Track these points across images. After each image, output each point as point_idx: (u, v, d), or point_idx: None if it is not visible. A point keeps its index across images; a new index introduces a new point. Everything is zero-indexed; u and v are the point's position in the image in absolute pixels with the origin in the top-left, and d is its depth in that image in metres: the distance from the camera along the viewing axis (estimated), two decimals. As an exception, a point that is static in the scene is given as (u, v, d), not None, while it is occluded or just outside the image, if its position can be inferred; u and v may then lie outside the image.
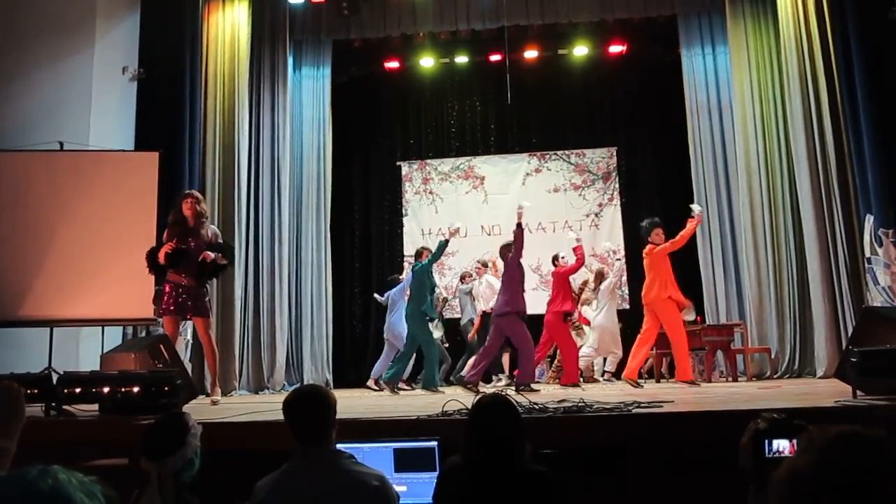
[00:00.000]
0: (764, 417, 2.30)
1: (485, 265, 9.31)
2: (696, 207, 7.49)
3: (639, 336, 7.26)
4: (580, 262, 7.81)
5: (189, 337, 7.48)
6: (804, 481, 1.01)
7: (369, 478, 2.42)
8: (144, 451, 2.49)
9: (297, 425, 2.53)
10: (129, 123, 8.01)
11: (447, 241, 7.72)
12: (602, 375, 8.66)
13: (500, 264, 7.96)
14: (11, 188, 6.77)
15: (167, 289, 5.91)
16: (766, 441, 2.22)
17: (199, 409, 4.58)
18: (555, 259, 8.26)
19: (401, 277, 8.77)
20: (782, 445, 2.21)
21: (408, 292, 8.21)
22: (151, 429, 2.61)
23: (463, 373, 8.11)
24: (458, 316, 9.77)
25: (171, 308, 5.87)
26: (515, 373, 7.52)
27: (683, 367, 7.02)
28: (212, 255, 5.84)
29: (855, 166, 7.51)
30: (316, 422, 2.52)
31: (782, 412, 2.40)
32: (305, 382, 9.38)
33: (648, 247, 7.26)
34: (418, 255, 8.13)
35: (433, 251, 7.90)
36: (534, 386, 6.91)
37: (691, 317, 8.27)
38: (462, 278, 9.86)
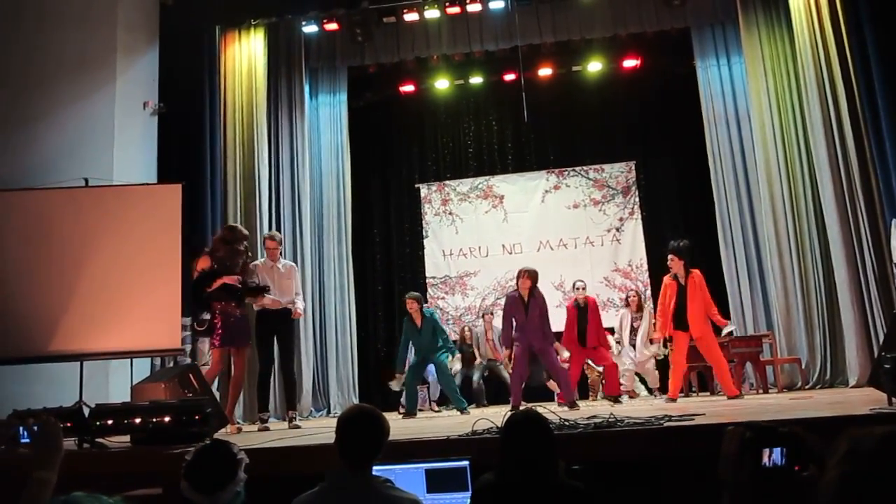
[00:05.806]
0: (748, 426, 2.24)
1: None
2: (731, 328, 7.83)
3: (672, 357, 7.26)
4: None
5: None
6: (860, 486, 1.00)
7: (405, 503, 2.41)
8: (192, 482, 2.40)
9: (347, 445, 2.50)
10: (151, 157, 8.14)
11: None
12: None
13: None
14: (39, 225, 6.86)
15: (218, 320, 6.03)
16: (761, 452, 2.17)
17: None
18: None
19: None
20: (777, 455, 2.16)
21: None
22: (198, 458, 2.48)
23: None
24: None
25: (224, 340, 6.06)
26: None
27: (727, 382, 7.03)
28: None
29: (878, 171, 7.43)
30: (368, 445, 2.50)
31: (769, 422, 2.34)
32: (333, 407, 9.37)
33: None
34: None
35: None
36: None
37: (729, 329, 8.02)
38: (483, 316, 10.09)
